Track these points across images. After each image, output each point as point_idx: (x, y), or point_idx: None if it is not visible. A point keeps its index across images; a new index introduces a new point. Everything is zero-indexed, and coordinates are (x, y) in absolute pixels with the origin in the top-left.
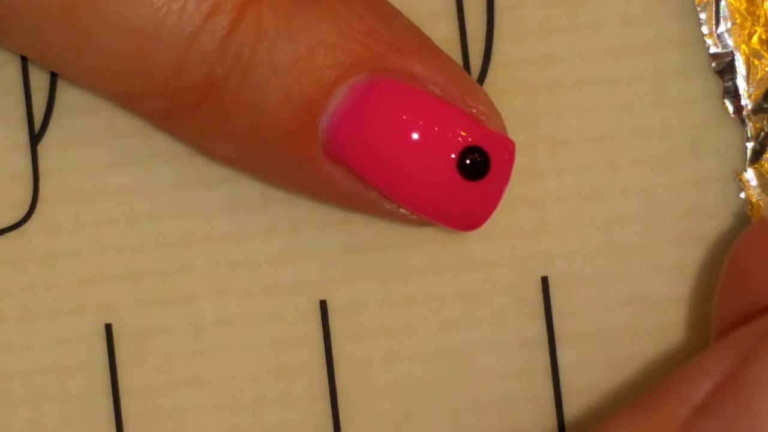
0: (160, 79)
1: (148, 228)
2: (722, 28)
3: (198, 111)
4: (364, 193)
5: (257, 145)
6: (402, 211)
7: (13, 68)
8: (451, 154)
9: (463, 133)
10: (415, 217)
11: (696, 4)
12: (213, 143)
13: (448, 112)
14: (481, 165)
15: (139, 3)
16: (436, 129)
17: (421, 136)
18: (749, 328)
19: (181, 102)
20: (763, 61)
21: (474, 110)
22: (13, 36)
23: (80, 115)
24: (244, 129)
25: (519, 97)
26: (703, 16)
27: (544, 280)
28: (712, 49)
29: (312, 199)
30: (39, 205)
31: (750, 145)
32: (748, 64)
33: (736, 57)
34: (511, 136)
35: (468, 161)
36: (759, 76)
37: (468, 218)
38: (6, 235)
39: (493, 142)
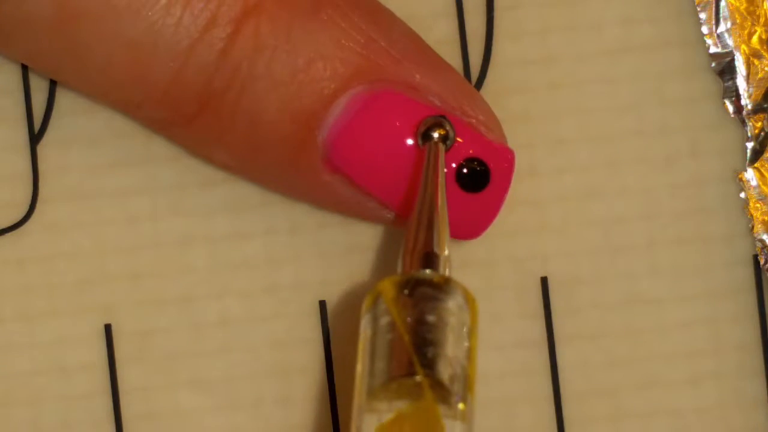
0: (158, 90)
1: (147, 228)
2: (722, 27)
3: (196, 122)
4: (364, 202)
5: (256, 156)
6: (401, 219)
7: (14, 68)
8: (450, 165)
9: (462, 144)
10: None
11: (696, 3)
12: (212, 152)
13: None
14: (480, 176)
15: (134, 16)
16: None
17: (418, 152)
18: None
19: (179, 112)
20: (763, 60)
21: (473, 120)
22: (9, 47)
23: (80, 115)
24: (243, 140)
25: (519, 97)
26: (703, 16)
27: (544, 280)
28: (712, 49)
29: (313, 205)
30: (39, 205)
31: (750, 145)
32: (748, 64)
33: (736, 57)
34: (511, 136)
35: (467, 172)
36: (759, 76)
37: (467, 228)
38: (6, 235)
39: (492, 153)
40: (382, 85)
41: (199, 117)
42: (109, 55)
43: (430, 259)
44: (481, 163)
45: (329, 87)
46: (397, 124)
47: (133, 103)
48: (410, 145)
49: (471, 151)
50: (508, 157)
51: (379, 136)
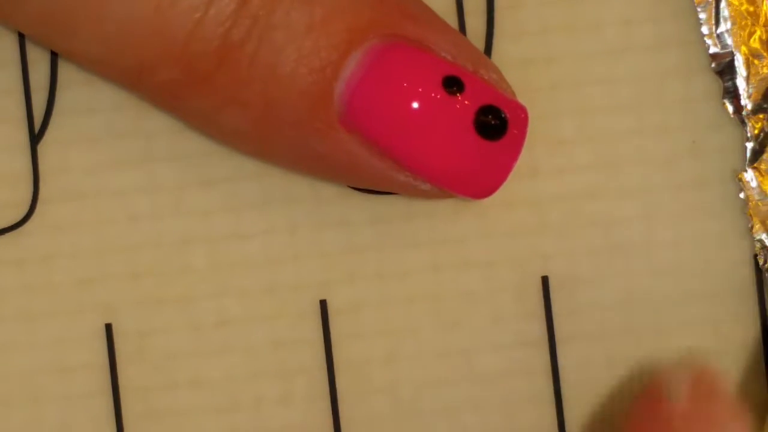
0: (176, 46)
1: (148, 228)
2: (722, 28)
3: (212, 79)
4: (378, 163)
5: (272, 114)
6: (415, 182)
7: (13, 68)
8: (467, 114)
9: (479, 93)
10: (428, 187)
11: (696, 4)
12: (225, 115)
13: (462, 74)
14: (498, 123)
15: None
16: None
17: (437, 99)
18: None
19: (195, 70)
20: (763, 61)
21: (486, 77)
22: (25, 4)
23: (80, 115)
24: (259, 96)
25: (519, 97)
26: (702, 16)
27: (544, 280)
28: (712, 49)
29: (322, 175)
30: (39, 205)
31: (750, 145)
32: (748, 64)
33: (735, 57)
34: None
35: (485, 120)
36: (759, 77)
37: (482, 183)
38: (6, 235)
39: (508, 104)
40: (397, 39)
41: (216, 73)
42: (129, 9)
43: None
44: (498, 111)
45: (346, 39)
46: (413, 77)
47: (147, 64)
48: (425, 101)
49: (488, 100)
50: (522, 111)
51: (395, 88)
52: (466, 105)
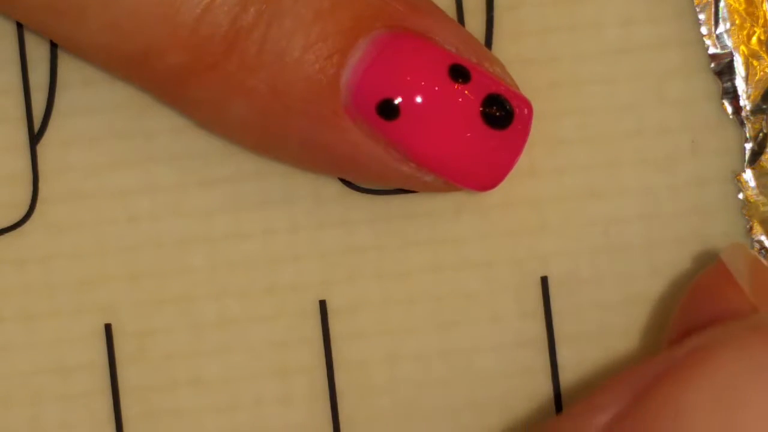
0: (184, 30)
1: (148, 228)
2: (721, 28)
3: (220, 65)
4: (382, 154)
5: (278, 102)
6: (419, 173)
7: (13, 68)
8: (474, 104)
9: (485, 83)
10: (431, 179)
11: (695, 4)
12: (231, 104)
13: (468, 65)
14: (504, 113)
15: None
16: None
17: (443, 88)
18: (646, 364)
19: (203, 55)
20: (762, 62)
21: (491, 70)
22: None
23: (80, 115)
24: (266, 84)
25: None
26: (702, 16)
27: (544, 280)
28: (711, 50)
29: (325, 169)
30: (39, 205)
31: (749, 146)
32: (747, 65)
33: (735, 58)
34: None
35: (491, 109)
36: (758, 77)
37: (485, 175)
38: (6, 235)
39: (513, 95)
40: (403, 30)
41: (223, 60)
42: None
43: None
44: (503, 102)
45: (353, 27)
46: (419, 66)
47: (155, 49)
48: (431, 90)
49: (494, 90)
50: (527, 105)
51: (401, 78)
52: (472, 95)
